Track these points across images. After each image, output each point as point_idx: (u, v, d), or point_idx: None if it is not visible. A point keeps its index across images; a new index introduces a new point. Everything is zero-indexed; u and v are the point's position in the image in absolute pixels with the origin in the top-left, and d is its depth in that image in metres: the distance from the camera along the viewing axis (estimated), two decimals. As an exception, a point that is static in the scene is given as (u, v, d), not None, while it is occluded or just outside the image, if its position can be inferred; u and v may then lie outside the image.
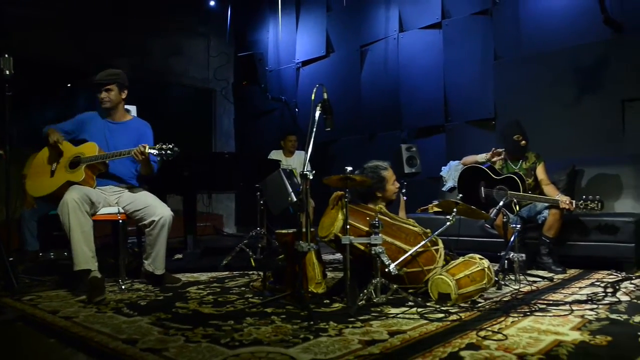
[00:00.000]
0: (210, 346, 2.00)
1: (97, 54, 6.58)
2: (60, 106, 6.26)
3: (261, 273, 3.71)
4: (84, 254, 2.99)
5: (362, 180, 2.77)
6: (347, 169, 2.70)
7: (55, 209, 3.11)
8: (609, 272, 3.60)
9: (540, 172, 3.97)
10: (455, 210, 2.82)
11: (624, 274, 3.51)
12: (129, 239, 4.55)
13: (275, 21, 7.84)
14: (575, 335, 2.05)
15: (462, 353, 1.87)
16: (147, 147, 3.12)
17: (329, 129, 2.74)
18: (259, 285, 3.26)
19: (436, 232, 2.84)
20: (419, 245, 2.76)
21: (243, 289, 3.24)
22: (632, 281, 3.22)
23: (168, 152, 3.08)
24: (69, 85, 6.44)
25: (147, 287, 3.31)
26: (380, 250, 2.63)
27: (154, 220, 3.25)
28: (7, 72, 3.28)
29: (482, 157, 4.20)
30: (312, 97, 2.69)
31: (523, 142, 4.02)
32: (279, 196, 3.82)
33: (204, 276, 3.81)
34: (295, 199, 3.79)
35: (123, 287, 3.18)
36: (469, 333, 2.11)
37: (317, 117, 2.70)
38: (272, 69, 7.87)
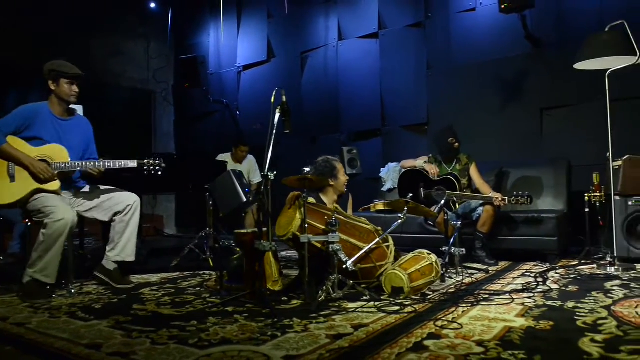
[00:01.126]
0: (179, 347, 1.99)
1: (33, 51, 6.26)
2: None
3: (213, 273, 3.72)
4: (56, 270, 3.00)
5: (319, 180, 2.87)
6: (304, 170, 2.79)
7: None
8: (535, 263, 3.97)
9: (474, 172, 4.29)
10: (406, 208, 3.00)
11: (548, 264, 3.88)
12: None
13: (216, 25, 7.82)
14: (522, 322, 2.26)
15: (426, 342, 1.99)
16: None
17: (287, 130, 2.82)
18: (214, 284, 3.26)
19: (388, 230, 3.00)
20: (373, 242, 2.90)
21: (198, 289, 3.23)
22: (557, 271, 3.58)
23: (157, 167, 3.23)
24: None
25: (98, 290, 3.21)
26: (338, 248, 2.74)
27: (129, 205, 3.26)
28: None
29: (419, 163, 4.43)
30: (272, 100, 2.75)
31: (456, 144, 4.33)
32: (228, 197, 3.85)
33: (154, 277, 3.74)
34: (245, 200, 3.84)
35: (73, 290, 3.06)
36: (427, 324, 2.26)
37: (276, 120, 2.76)
38: (213, 72, 7.85)
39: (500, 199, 3.83)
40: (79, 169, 3.20)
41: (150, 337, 2.14)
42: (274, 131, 2.69)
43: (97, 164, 3.20)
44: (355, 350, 1.94)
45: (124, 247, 3.29)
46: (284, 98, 2.80)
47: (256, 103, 7.16)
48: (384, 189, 5.28)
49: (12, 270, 4.07)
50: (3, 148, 3.02)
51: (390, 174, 5.25)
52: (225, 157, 5.81)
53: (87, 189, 3.39)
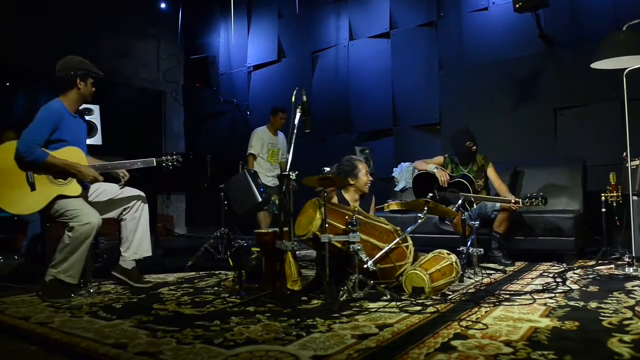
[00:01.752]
0: (206, 347, 1.99)
1: (42, 52, 6.28)
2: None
3: (229, 272, 3.72)
4: (80, 271, 3.01)
5: (339, 179, 2.86)
6: (324, 169, 2.78)
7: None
8: (552, 263, 3.95)
9: (491, 173, 4.26)
10: (426, 208, 2.99)
11: (565, 265, 3.86)
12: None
13: (226, 25, 7.84)
14: (547, 322, 2.25)
15: (454, 343, 1.98)
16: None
17: (307, 130, 2.81)
18: (231, 284, 3.26)
19: (408, 230, 2.99)
20: (394, 242, 2.89)
21: (216, 288, 3.23)
22: (575, 271, 3.56)
23: (175, 163, 3.28)
24: (7, 84, 6.06)
25: (116, 289, 3.22)
26: (359, 248, 2.73)
27: (137, 200, 3.27)
28: None
29: (431, 168, 4.34)
30: (292, 100, 2.75)
31: (474, 147, 4.29)
32: (244, 196, 3.85)
33: (170, 277, 3.74)
34: (260, 200, 3.84)
35: (91, 290, 3.07)
36: (452, 324, 2.25)
37: (297, 120, 2.76)
38: (223, 72, 7.86)
39: (513, 201, 3.80)
40: (119, 169, 3.21)
41: (175, 336, 2.13)
42: (295, 131, 2.68)
43: (118, 164, 3.21)
44: (383, 350, 1.94)
45: (139, 244, 3.30)
46: (305, 97, 2.79)
47: (266, 103, 7.15)
48: (397, 188, 5.27)
49: (28, 269, 4.10)
50: (48, 161, 2.95)
51: (403, 174, 5.24)
52: (262, 130, 5.51)
53: (93, 187, 3.35)
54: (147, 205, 3.35)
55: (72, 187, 3.05)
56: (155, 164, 3.29)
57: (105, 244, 5.11)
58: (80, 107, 3.31)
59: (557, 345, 1.93)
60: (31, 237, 4.93)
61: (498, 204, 3.98)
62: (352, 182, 3.39)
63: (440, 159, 4.46)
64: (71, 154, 3.06)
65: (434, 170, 4.26)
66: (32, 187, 2.97)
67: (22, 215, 4.75)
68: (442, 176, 4.21)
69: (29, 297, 3.00)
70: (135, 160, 3.24)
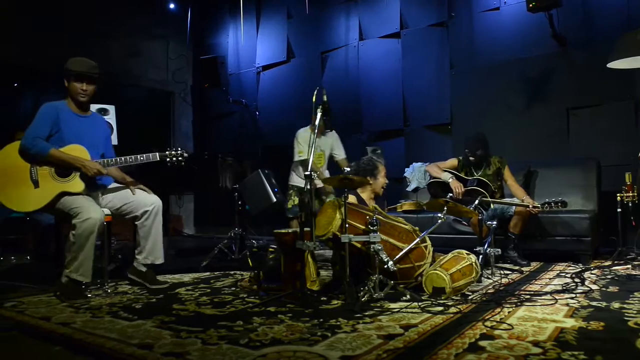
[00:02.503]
0: (232, 348, 1.98)
1: (52, 53, 6.30)
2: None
3: (244, 273, 3.71)
4: (90, 268, 3.00)
5: (359, 180, 2.85)
6: (344, 169, 2.77)
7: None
8: (568, 264, 3.94)
9: (507, 175, 4.24)
10: (445, 208, 2.98)
11: (581, 265, 3.84)
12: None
13: (235, 26, 7.85)
14: (572, 322, 2.23)
15: (481, 343, 1.97)
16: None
17: (328, 130, 2.80)
18: (247, 284, 3.25)
19: (428, 230, 2.98)
20: (414, 242, 2.88)
21: (233, 289, 3.22)
22: (592, 271, 3.55)
23: (179, 158, 3.25)
24: (15, 84, 6.08)
25: (134, 290, 3.21)
26: (379, 248, 2.72)
27: (147, 210, 3.23)
28: None
29: (445, 177, 4.28)
30: (313, 99, 2.74)
31: (484, 154, 4.27)
32: (258, 197, 3.85)
33: (186, 277, 3.73)
34: (275, 200, 3.83)
35: (108, 290, 3.07)
36: (476, 324, 2.23)
37: (317, 120, 2.75)
38: (232, 72, 7.86)
39: (532, 205, 3.77)
40: (123, 164, 3.21)
41: (199, 337, 2.12)
42: (317, 130, 2.67)
43: (120, 159, 3.21)
44: (411, 351, 1.92)
45: (150, 250, 3.29)
46: (325, 97, 2.78)
47: (276, 103, 7.17)
48: (409, 189, 5.24)
49: (42, 269, 4.10)
50: (52, 153, 3.02)
51: (415, 174, 5.22)
52: (304, 131, 5.04)
53: (113, 185, 3.39)
54: (160, 213, 3.31)
55: (75, 184, 3.07)
56: (158, 159, 3.27)
57: (116, 244, 5.12)
58: (97, 108, 3.32)
59: (585, 345, 1.91)
60: (43, 237, 4.94)
61: (512, 209, 3.96)
62: (370, 182, 3.38)
63: (454, 161, 4.43)
64: (74, 151, 3.11)
65: (449, 181, 4.21)
66: (36, 184, 3.03)
67: (34, 215, 4.76)
68: (457, 188, 4.13)
69: (46, 297, 2.99)
70: (138, 155, 3.22)
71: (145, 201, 3.28)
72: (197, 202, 8.27)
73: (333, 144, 5.06)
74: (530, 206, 3.77)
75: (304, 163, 4.84)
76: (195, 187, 5.57)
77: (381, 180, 3.44)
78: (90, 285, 3.09)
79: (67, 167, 3.06)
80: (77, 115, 3.24)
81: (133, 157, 3.21)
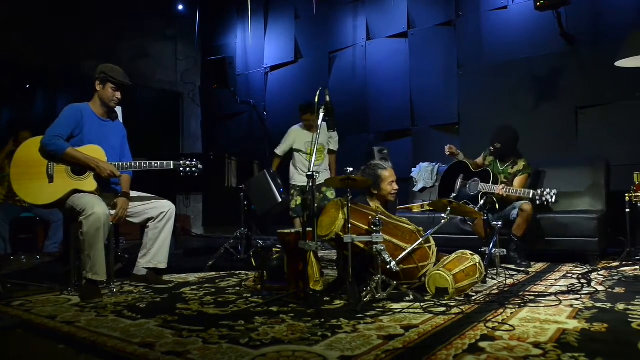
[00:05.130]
0: (233, 347, 1.99)
1: (62, 54, 6.40)
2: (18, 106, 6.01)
3: (249, 273, 3.73)
4: (104, 265, 3.02)
5: (362, 180, 2.85)
6: (347, 170, 2.77)
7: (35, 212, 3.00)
8: (575, 264, 3.90)
9: (519, 178, 4.19)
10: (449, 208, 2.96)
11: (588, 266, 3.80)
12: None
13: (243, 26, 7.89)
14: (575, 324, 2.21)
15: (481, 344, 1.96)
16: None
17: (331, 130, 2.81)
18: (252, 284, 3.26)
19: (432, 230, 2.97)
20: (417, 243, 2.87)
21: (237, 288, 3.23)
22: (599, 272, 3.51)
23: (193, 169, 3.28)
24: (27, 86, 6.16)
25: (139, 289, 3.24)
26: (382, 248, 2.72)
27: (162, 212, 3.29)
28: None
29: (461, 157, 4.47)
30: (316, 100, 2.74)
31: (507, 149, 4.27)
32: (264, 197, 3.86)
33: (191, 277, 3.76)
34: (280, 200, 3.84)
35: (114, 289, 3.10)
36: (478, 325, 2.22)
37: (320, 120, 2.75)
38: (240, 73, 7.90)
39: (499, 190, 3.87)
40: (137, 168, 3.25)
41: (200, 336, 2.14)
42: (319, 130, 2.68)
43: (134, 164, 3.25)
44: (410, 351, 1.92)
45: (156, 253, 3.32)
46: (328, 98, 2.79)
47: (284, 104, 7.18)
48: (416, 189, 5.24)
49: (51, 269, 4.15)
50: (68, 152, 3.07)
51: (422, 174, 5.21)
52: (296, 130, 5.29)
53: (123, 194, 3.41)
54: (173, 218, 3.36)
55: (88, 183, 3.12)
56: (172, 167, 3.30)
57: (124, 244, 5.17)
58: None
59: (587, 347, 1.90)
60: (53, 237, 5.01)
61: (516, 211, 3.94)
62: (374, 192, 3.31)
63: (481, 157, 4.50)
64: (91, 151, 3.16)
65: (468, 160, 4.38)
66: (51, 179, 3.09)
67: (44, 213, 4.83)
68: (450, 149, 4.37)
69: (54, 297, 3.03)
70: (152, 161, 3.27)
71: (161, 204, 3.35)
72: (206, 202, 8.32)
73: (331, 137, 5.22)
74: (497, 191, 3.79)
75: (279, 158, 5.22)
76: (202, 188, 5.59)
77: (387, 188, 3.30)
78: (104, 282, 3.12)
79: (82, 166, 3.12)
80: (100, 119, 3.32)
81: (147, 162, 3.26)
